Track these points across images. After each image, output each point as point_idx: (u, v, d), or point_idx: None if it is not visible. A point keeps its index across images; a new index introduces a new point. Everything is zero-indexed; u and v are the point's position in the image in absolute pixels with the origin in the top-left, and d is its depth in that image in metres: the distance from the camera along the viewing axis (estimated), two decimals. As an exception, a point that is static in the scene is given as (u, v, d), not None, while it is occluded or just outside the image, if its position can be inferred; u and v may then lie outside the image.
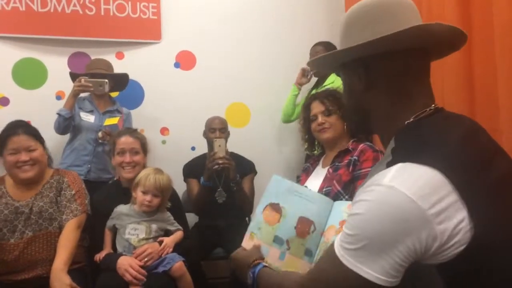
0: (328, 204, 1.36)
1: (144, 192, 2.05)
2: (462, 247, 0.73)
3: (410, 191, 0.73)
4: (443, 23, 0.86)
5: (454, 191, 0.74)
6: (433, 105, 0.88)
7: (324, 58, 0.98)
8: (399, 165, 0.77)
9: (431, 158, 0.76)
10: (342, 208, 1.30)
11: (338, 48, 0.95)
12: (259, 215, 1.37)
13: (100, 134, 2.68)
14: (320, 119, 1.91)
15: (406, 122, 0.86)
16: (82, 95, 2.82)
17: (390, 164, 0.79)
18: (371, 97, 0.91)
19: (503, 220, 0.77)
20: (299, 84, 3.14)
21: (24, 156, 1.93)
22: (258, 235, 1.35)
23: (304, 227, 1.31)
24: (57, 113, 2.65)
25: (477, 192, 0.75)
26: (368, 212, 0.75)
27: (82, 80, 2.61)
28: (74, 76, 2.81)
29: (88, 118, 2.77)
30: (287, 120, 3.25)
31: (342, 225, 1.23)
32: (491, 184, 0.78)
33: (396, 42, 0.85)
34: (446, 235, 0.72)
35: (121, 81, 2.93)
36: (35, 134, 2.02)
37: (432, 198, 0.73)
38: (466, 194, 0.74)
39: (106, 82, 2.68)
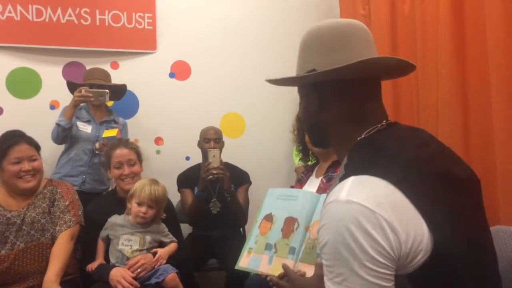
0: (313, 198, 1.37)
1: (139, 204, 2.03)
2: (428, 255, 0.75)
3: (368, 202, 0.74)
4: (392, 57, 0.91)
5: (407, 200, 0.76)
6: (385, 121, 0.91)
7: (282, 81, 1.01)
8: (352, 178, 0.79)
9: (382, 170, 0.78)
10: None
11: (296, 64, 0.99)
12: (256, 230, 1.40)
13: (97, 145, 2.66)
14: None
15: (358, 139, 0.88)
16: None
17: (343, 178, 0.81)
18: (325, 116, 0.94)
19: (459, 228, 0.79)
20: None
21: (27, 166, 1.93)
22: (254, 249, 1.37)
23: (289, 226, 1.34)
24: (57, 123, 2.62)
25: (431, 202, 0.77)
26: (332, 236, 0.75)
27: (83, 90, 2.59)
28: (71, 86, 2.80)
29: (85, 128, 2.76)
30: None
31: None
32: (446, 193, 0.80)
33: (348, 73, 0.88)
34: (410, 241, 0.74)
35: (118, 92, 2.93)
36: (35, 144, 2.03)
37: (390, 206, 0.74)
38: (420, 204, 0.76)
39: (107, 93, 2.66)
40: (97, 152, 2.69)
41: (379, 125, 0.89)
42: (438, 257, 0.75)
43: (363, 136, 0.88)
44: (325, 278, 0.79)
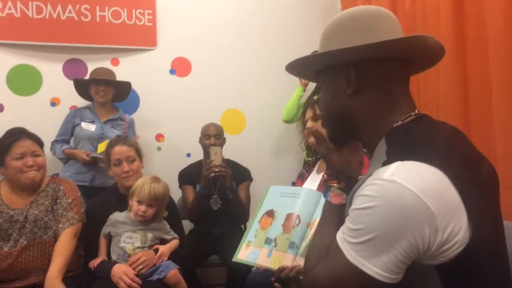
0: (315, 196, 1.38)
1: (139, 202, 2.03)
2: (462, 247, 0.73)
3: (413, 186, 0.72)
4: (434, 38, 0.88)
5: (454, 189, 0.74)
6: (417, 111, 0.89)
7: (314, 57, 0.95)
8: (397, 163, 0.76)
9: (427, 157, 0.76)
10: None
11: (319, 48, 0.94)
12: (256, 224, 1.41)
13: (91, 159, 2.70)
14: (309, 124, 1.95)
15: (394, 125, 0.86)
16: (83, 104, 2.90)
17: (386, 163, 0.78)
18: (358, 101, 0.90)
19: (494, 225, 0.80)
20: (305, 85, 3.12)
21: (30, 161, 1.92)
22: (253, 242, 1.39)
23: (290, 222, 1.35)
24: (58, 157, 2.76)
25: (472, 191, 0.76)
26: (372, 207, 0.74)
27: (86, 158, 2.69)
28: (78, 83, 2.85)
29: (89, 127, 2.79)
30: (290, 120, 3.18)
31: None
32: (481, 184, 0.80)
33: (391, 49, 0.86)
34: (447, 232, 0.72)
35: (123, 90, 2.95)
36: (38, 140, 2.02)
37: (434, 193, 0.72)
38: (464, 193, 0.74)
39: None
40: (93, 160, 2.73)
41: (413, 114, 0.87)
42: (472, 251, 0.74)
43: (399, 123, 0.86)
44: (339, 236, 0.79)
